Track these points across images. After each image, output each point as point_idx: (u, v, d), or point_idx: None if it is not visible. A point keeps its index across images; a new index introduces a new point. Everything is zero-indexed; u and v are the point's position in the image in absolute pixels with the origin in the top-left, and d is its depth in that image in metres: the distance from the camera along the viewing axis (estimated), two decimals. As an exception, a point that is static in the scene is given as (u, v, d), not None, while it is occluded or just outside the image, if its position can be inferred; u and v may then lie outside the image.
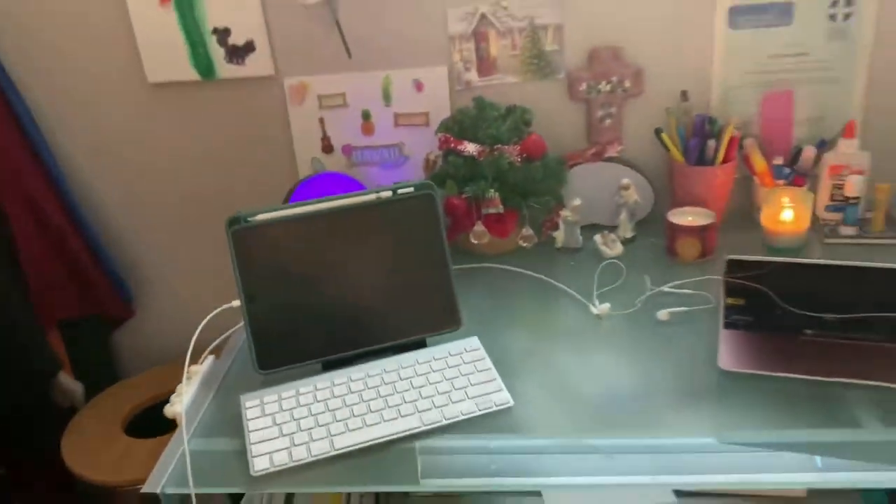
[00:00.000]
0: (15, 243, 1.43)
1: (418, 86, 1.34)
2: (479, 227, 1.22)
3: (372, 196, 0.99)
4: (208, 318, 0.99)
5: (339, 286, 0.98)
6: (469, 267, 1.25)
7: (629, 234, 1.28)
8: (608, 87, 1.29)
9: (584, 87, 1.30)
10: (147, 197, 1.51)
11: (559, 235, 1.27)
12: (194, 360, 1.01)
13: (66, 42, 1.38)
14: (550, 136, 1.30)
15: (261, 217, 0.96)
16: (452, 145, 1.22)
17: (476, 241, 1.23)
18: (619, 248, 1.23)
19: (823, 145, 1.25)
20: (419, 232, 1.01)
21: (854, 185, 1.21)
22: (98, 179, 1.50)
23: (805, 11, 1.22)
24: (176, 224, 1.53)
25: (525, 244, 1.27)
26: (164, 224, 1.53)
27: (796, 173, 1.23)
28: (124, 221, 1.54)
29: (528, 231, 1.27)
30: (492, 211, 1.21)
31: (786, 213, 1.19)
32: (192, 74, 1.38)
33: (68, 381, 1.50)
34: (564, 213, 1.25)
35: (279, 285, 0.97)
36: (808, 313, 0.99)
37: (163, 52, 1.37)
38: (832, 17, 1.22)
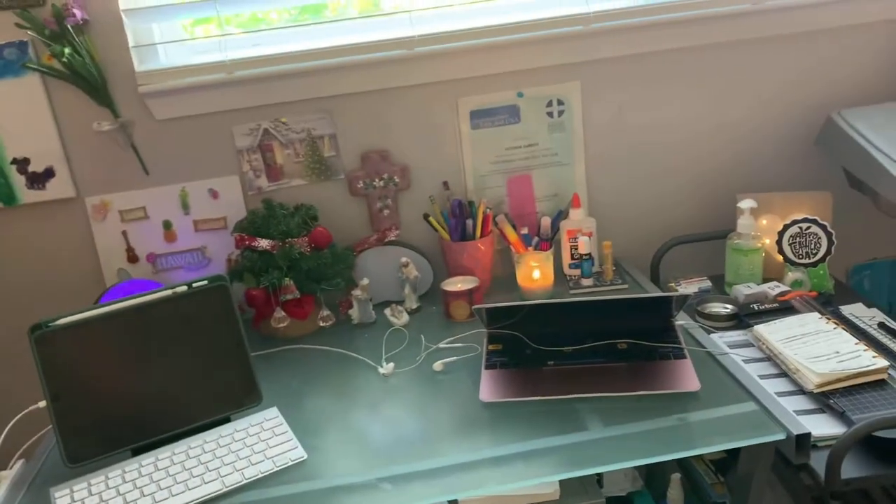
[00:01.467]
0: None
1: (214, 194, 1.48)
2: (279, 312, 1.37)
3: (168, 292, 1.11)
4: (13, 422, 1.05)
5: (144, 377, 1.08)
6: (275, 350, 1.38)
7: (414, 305, 1.48)
8: (381, 183, 1.51)
9: (361, 184, 1.51)
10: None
11: (354, 313, 1.44)
12: (4, 466, 1.05)
13: None
14: (338, 227, 1.50)
15: (62, 321, 1.05)
16: (247, 242, 1.37)
17: (278, 326, 1.37)
18: (405, 318, 1.42)
19: (560, 215, 1.53)
20: (216, 320, 1.13)
21: (585, 245, 1.49)
22: None
23: (529, 111, 1.52)
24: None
25: (324, 324, 1.43)
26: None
27: (541, 240, 1.50)
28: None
29: (325, 312, 1.43)
30: (289, 297, 1.36)
31: (535, 272, 1.44)
32: (-6, 202, 1.44)
33: None
34: (356, 292, 1.43)
35: (84, 382, 1.05)
36: (550, 349, 1.22)
37: (-38, 183, 1.42)
38: (550, 115, 1.53)
